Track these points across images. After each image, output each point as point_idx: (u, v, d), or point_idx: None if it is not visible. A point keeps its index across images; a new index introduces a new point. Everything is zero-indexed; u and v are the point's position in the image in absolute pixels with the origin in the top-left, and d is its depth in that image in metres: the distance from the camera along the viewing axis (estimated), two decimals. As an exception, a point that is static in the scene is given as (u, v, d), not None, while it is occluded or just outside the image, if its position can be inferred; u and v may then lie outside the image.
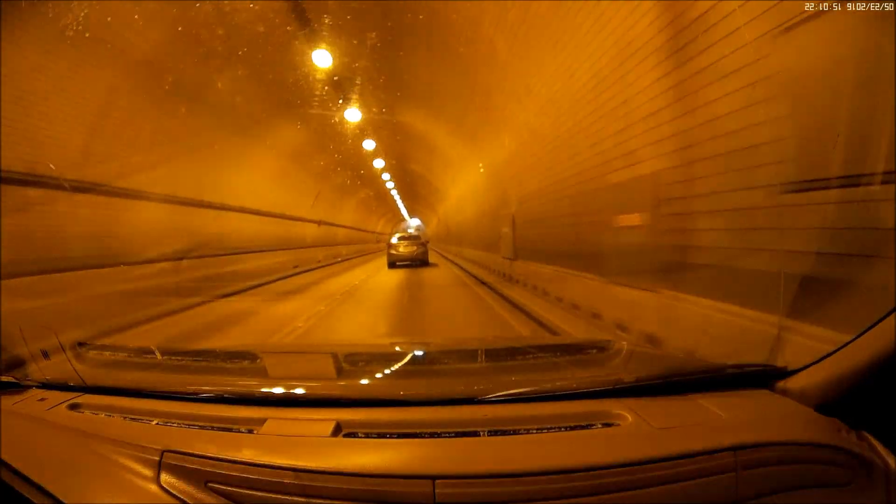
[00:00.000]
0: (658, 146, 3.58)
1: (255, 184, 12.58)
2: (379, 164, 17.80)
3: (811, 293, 2.04)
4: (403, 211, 38.24)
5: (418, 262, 13.60)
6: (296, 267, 14.60)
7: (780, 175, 2.39)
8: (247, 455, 0.89)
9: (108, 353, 1.91)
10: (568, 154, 5.71)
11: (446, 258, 19.14)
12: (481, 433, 0.97)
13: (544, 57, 5.55)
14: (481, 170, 11.46)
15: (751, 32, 2.47)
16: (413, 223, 43.59)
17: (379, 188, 24.15)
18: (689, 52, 3.10)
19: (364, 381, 1.45)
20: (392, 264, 13.65)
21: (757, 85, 2.49)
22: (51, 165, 5.81)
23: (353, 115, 11.32)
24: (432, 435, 0.97)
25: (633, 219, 4.08)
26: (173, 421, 1.08)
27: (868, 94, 1.92)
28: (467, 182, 13.97)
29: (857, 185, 1.96)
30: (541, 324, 5.37)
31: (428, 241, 16.34)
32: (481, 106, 8.75)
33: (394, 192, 27.26)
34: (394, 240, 14.51)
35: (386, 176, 22.03)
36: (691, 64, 3.10)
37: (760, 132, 2.51)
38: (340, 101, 10.29)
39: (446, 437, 0.96)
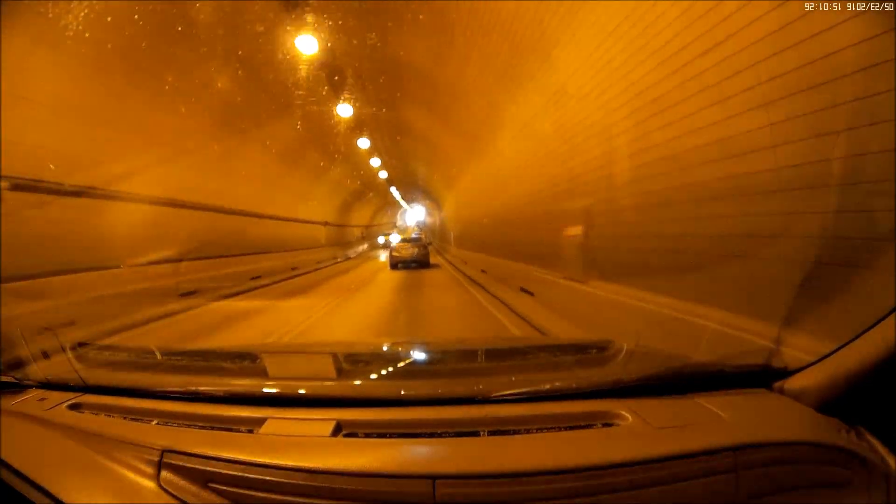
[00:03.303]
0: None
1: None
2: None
3: (811, 292, 2.04)
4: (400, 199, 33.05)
5: (419, 263, 13.84)
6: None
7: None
8: (247, 455, 0.89)
9: (108, 354, 1.91)
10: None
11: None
12: (481, 433, 0.97)
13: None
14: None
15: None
16: (412, 216, 38.93)
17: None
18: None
19: (364, 381, 1.45)
20: (394, 265, 14.08)
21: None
22: (51, 166, 5.78)
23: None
24: (432, 435, 0.97)
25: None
26: (173, 421, 1.08)
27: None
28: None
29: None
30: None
31: (430, 243, 16.49)
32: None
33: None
34: (395, 243, 15.09)
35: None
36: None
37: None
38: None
39: (446, 437, 0.96)
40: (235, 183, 11.30)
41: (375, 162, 17.03)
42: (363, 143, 14.06)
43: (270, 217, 13.65)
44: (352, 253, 23.76)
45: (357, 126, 12.71)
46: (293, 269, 14.00)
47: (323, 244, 19.63)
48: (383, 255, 20.35)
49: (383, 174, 19.72)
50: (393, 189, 26.31)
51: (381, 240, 32.81)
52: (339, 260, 19.78)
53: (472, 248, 13.57)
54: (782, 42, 2.29)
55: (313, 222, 18.32)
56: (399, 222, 40.62)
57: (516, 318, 5.81)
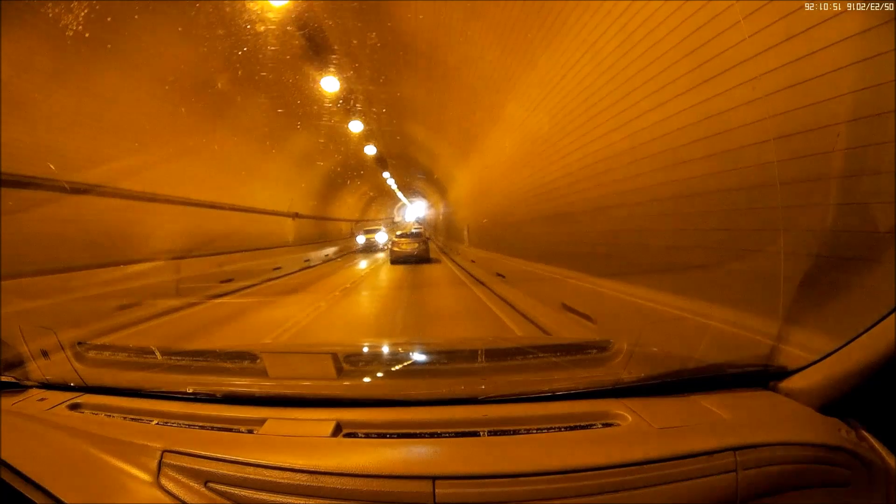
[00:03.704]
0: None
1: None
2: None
3: (812, 290, 2.04)
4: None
5: (419, 258, 14.19)
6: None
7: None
8: (247, 455, 0.89)
9: (108, 353, 1.90)
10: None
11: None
12: (481, 433, 0.97)
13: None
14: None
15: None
16: (412, 211, 33.60)
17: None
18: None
19: (364, 381, 1.45)
20: (395, 261, 14.42)
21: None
22: (50, 166, 5.77)
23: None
24: (432, 435, 0.97)
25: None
26: (173, 421, 1.08)
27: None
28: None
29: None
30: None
31: (430, 239, 16.58)
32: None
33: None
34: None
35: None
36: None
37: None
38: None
39: (446, 437, 0.96)
40: (116, 142, 6.71)
41: (356, 125, 11.82)
42: (334, 87, 8.75)
43: (197, 204, 9.14)
44: (330, 254, 17.84)
45: (324, 62, 7.82)
46: (227, 280, 9.24)
47: (290, 243, 14.76)
48: (364, 262, 15.74)
49: (370, 149, 14.63)
50: (387, 176, 20.52)
51: (360, 239, 21.36)
52: (311, 263, 14.98)
53: (505, 251, 8.69)
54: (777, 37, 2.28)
55: (274, 213, 13.55)
56: (396, 218, 36.49)
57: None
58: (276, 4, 6.46)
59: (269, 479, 0.85)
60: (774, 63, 2.38)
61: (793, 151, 2.30)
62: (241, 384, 1.33)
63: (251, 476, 0.86)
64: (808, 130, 2.21)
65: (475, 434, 0.97)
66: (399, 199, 32.00)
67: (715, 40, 2.83)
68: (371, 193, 25.14)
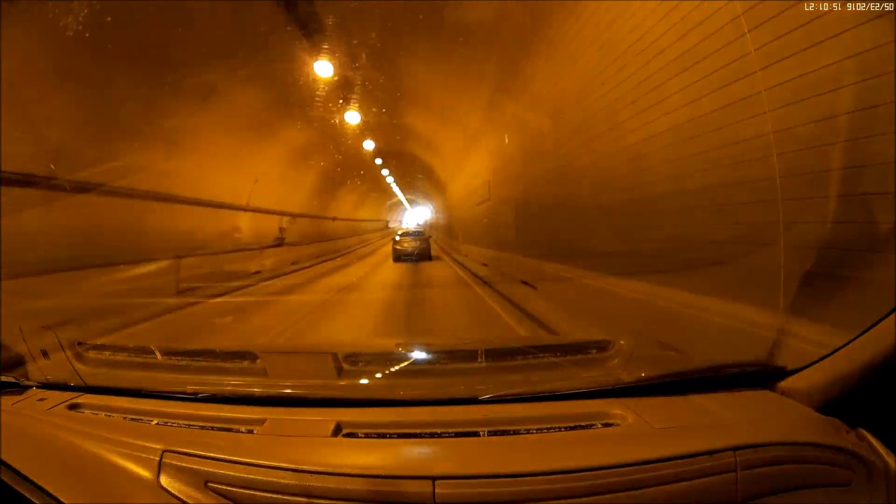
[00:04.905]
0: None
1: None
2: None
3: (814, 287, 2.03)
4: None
5: (421, 256, 14.19)
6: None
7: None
8: (247, 455, 0.89)
9: (107, 353, 1.90)
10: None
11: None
12: (481, 433, 0.97)
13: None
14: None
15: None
16: (412, 215, 31.47)
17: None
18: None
19: (364, 381, 1.44)
20: (397, 258, 14.51)
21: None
22: (51, 166, 5.77)
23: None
24: (432, 435, 0.97)
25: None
26: (173, 421, 1.08)
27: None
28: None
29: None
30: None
31: (431, 237, 16.65)
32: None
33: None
34: (397, 236, 15.36)
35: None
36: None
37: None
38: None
39: (446, 437, 0.96)
40: None
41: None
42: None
43: None
44: None
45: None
46: None
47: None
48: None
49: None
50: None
51: None
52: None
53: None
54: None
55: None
56: (392, 222, 34.23)
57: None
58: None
59: (269, 479, 0.85)
60: (772, 60, 2.38)
61: (794, 145, 2.30)
62: (241, 384, 1.33)
63: (251, 476, 0.86)
64: (809, 123, 2.20)
65: (475, 434, 0.97)
66: (396, 197, 28.89)
67: (711, 41, 2.83)
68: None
